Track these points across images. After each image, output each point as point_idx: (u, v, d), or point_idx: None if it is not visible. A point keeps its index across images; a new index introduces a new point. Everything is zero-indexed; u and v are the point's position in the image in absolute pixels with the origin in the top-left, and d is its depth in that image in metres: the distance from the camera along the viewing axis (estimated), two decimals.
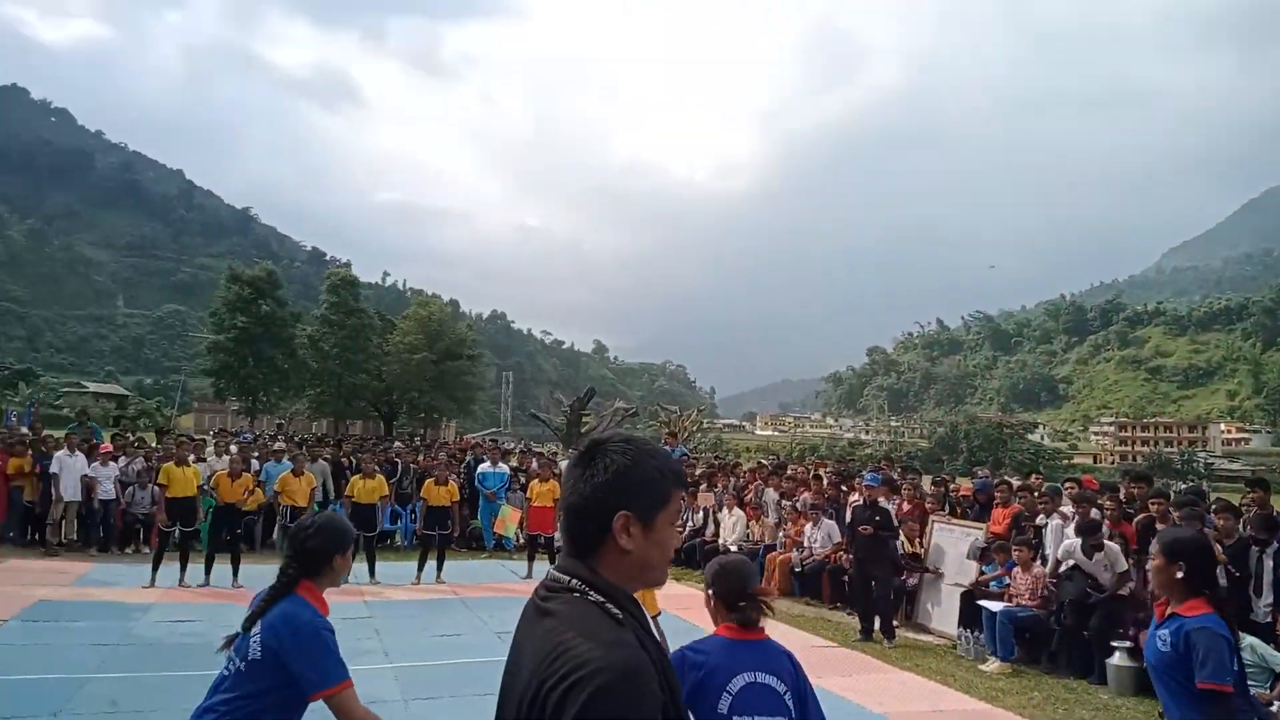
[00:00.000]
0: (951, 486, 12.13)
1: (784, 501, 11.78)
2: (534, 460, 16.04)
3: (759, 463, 15.37)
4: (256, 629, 2.64)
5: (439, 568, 11.10)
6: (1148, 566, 3.45)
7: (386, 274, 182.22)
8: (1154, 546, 3.16)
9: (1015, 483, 10.71)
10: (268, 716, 2.61)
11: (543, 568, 11.63)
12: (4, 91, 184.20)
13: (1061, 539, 8.32)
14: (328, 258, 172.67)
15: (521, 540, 13.69)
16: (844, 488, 11.47)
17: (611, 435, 1.53)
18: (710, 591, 2.60)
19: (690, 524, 13.06)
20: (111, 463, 12.28)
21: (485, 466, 13.86)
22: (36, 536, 12.10)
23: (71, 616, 7.94)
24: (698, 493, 13.26)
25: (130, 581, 9.83)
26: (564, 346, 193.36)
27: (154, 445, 13.92)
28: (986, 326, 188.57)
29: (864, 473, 11.67)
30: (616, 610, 1.33)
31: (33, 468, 11.78)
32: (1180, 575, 2.96)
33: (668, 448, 19.61)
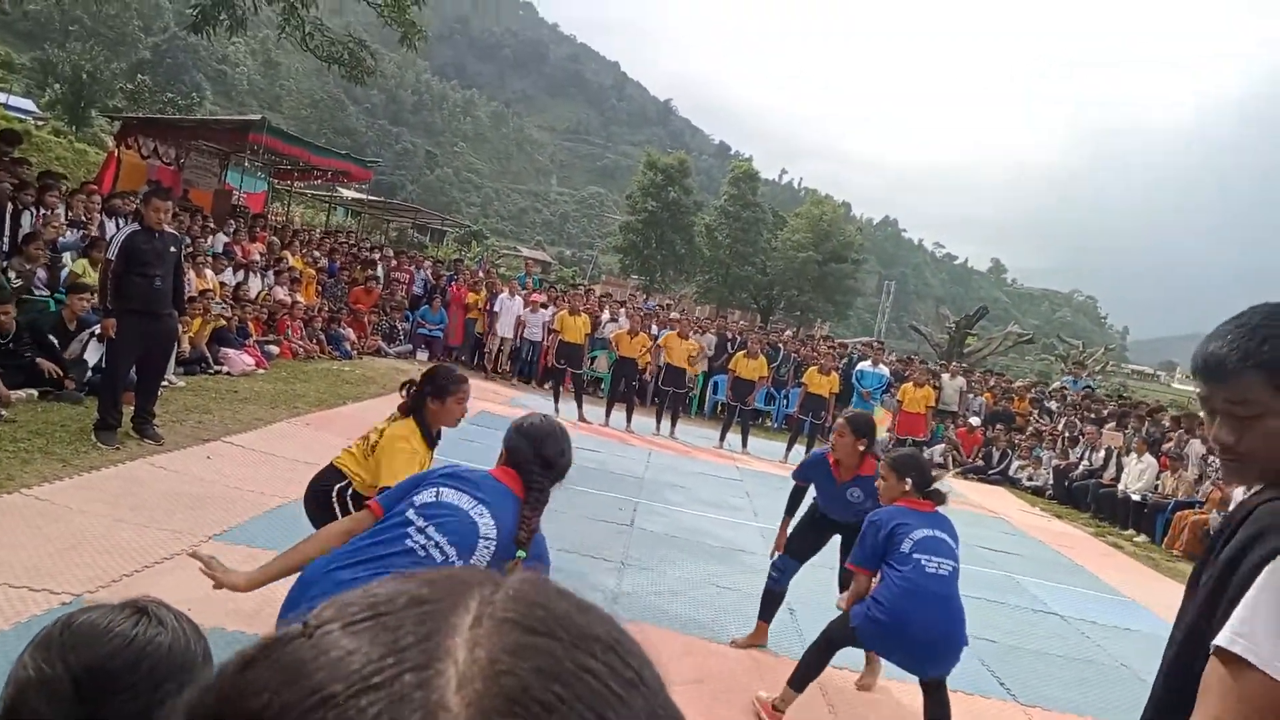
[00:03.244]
0: None
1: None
2: (912, 366, 15.45)
3: (1187, 413, 13.25)
4: (491, 532, 2.25)
5: (807, 452, 11.31)
6: None
7: (784, 171, 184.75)
8: None
9: None
10: None
11: None
12: None
13: None
14: (732, 151, 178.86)
15: (889, 445, 13.43)
16: None
17: None
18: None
19: (1087, 462, 11.77)
20: (541, 309, 14.17)
21: (865, 365, 13.63)
22: (478, 362, 14.54)
23: (502, 427, 9.47)
24: (1102, 430, 11.87)
25: (545, 409, 11.42)
26: (955, 261, 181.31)
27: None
28: None
29: None
30: None
31: (485, 304, 14.08)
32: None
33: (1070, 379, 17.56)
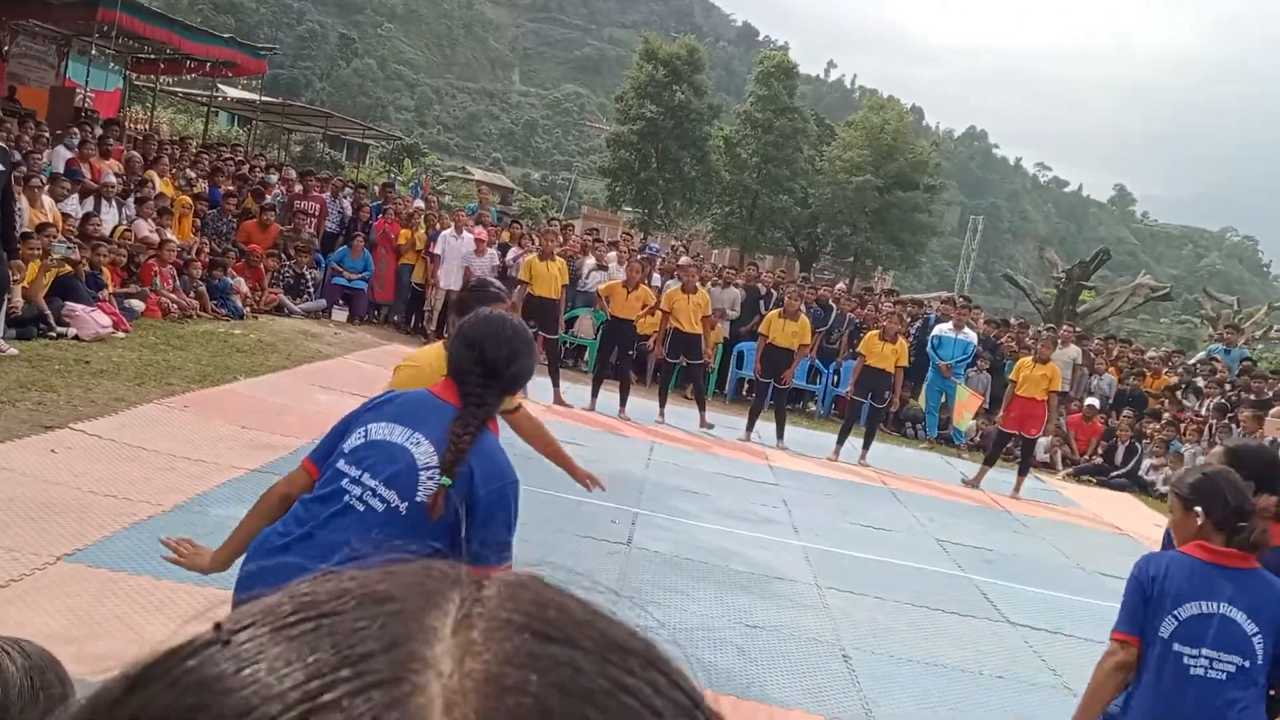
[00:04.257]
0: None
1: None
2: (1023, 332, 15.51)
3: None
4: (432, 460, 2.46)
5: (865, 446, 11.40)
6: None
7: (832, 64, 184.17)
8: None
9: None
10: None
11: (1006, 480, 11.41)
12: None
13: None
14: (760, 38, 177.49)
15: (978, 437, 13.52)
16: None
17: None
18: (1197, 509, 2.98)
19: None
20: (491, 250, 14.10)
21: (944, 329, 13.66)
22: (417, 324, 14.56)
23: None
24: (1265, 417, 11.92)
25: None
26: (1066, 189, 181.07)
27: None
28: None
29: None
30: None
31: (426, 245, 14.04)
32: None
33: (1221, 347, 17.66)
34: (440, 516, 2.42)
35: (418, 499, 2.41)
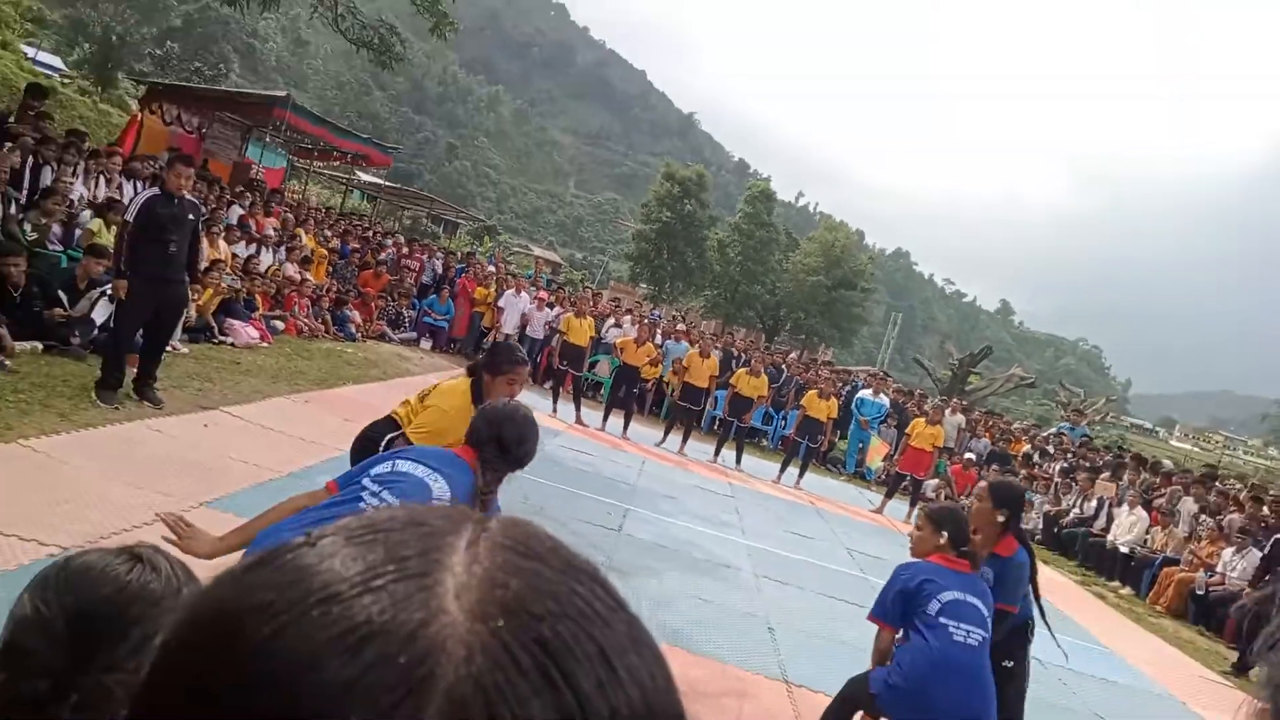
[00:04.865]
0: None
1: (1204, 517, 10.07)
2: (923, 401, 15.45)
3: (1183, 470, 13.25)
4: (444, 496, 2.32)
5: (800, 475, 11.35)
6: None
7: (801, 194, 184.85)
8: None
9: None
10: None
11: (899, 508, 11.36)
12: None
13: None
14: (751, 170, 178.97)
15: (884, 475, 13.44)
16: None
17: None
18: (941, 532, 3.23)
19: (1078, 511, 11.77)
20: (547, 308, 14.19)
21: (865, 393, 13.67)
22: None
23: None
24: (1096, 479, 11.87)
25: (545, 408, 11.45)
26: (964, 299, 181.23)
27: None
28: None
29: None
30: None
31: (494, 299, 14.10)
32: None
33: (1068, 425, 17.52)
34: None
35: None
